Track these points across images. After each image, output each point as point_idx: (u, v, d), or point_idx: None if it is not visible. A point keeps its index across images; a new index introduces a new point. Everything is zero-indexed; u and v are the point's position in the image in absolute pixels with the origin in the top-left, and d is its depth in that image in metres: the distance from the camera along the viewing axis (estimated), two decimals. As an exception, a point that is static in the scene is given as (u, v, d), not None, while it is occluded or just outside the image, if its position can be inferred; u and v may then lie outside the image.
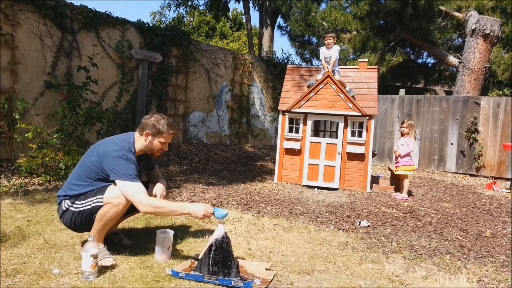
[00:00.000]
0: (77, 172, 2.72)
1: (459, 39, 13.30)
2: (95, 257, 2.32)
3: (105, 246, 2.65)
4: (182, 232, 3.39)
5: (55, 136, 5.64)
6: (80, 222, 2.64)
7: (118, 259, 2.64)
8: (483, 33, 10.14)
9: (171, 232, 2.77)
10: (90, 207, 2.59)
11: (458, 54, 11.68)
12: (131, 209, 2.71)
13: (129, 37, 7.83)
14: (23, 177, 5.06)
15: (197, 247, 3.04)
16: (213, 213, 2.56)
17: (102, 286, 2.26)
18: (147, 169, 3.06)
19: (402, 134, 5.88)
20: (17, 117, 5.54)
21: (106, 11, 7.41)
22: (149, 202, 2.54)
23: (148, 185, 3.00)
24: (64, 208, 2.66)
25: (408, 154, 5.74)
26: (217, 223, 2.56)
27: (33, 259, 2.60)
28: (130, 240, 3.02)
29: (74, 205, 2.63)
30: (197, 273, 2.42)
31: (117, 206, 2.54)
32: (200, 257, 2.50)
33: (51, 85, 6.45)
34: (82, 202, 2.62)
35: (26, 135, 5.35)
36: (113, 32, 7.54)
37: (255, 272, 2.57)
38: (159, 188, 2.93)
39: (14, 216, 3.60)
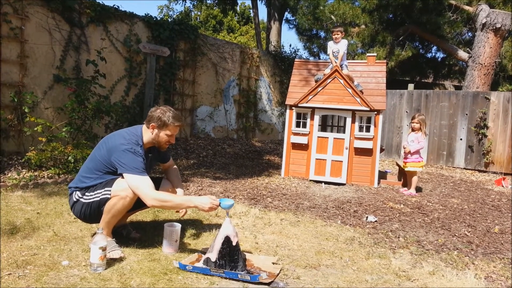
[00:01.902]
0: (87, 165, 2.76)
1: (469, 33, 13.13)
2: (103, 249, 2.35)
3: (114, 239, 2.69)
4: (189, 225, 3.41)
5: (64, 129, 5.68)
6: (90, 213, 2.68)
7: (126, 252, 2.67)
8: (494, 27, 9.98)
9: (178, 226, 2.79)
10: (98, 199, 2.62)
11: (468, 49, 11.52)
12: (140, 204, 2.73)
13: (137, 31, 7.84)
14: (32, 170, 5.12)
15: (204, 240, 3.06)
16: (219, 204, 2.57)
17: (110, 278, 2.29)
18: (160, 161, 3.08)
19: (413, 129, 5.74)
20: (26, 110, 5.59)
21: (114, 5, 7.42)
22: (156, 195, 2.55)
23: (161, 181, 3.02)
24: (75, 199, 2.71)
25: (418, 151, 5.66)
26: (224, 217, 2.57)
27: (43, 251, 2.64)
28: (138, 233, 3.05)
29: (84, 197, 2.67)
30: (204, 266, 2.44)
31: (124, 199, 2.57)
32: (207, 250, 2.52)
33: (60, 79, 6.49)
34: (91, 194, 2.66)
35: (35, 129, 5.40)
36: (121, 26, 7.56)
37: (262, 266, 2.58)
38: (179, 193, 2.99)
39: (24, 209, 3.65)
